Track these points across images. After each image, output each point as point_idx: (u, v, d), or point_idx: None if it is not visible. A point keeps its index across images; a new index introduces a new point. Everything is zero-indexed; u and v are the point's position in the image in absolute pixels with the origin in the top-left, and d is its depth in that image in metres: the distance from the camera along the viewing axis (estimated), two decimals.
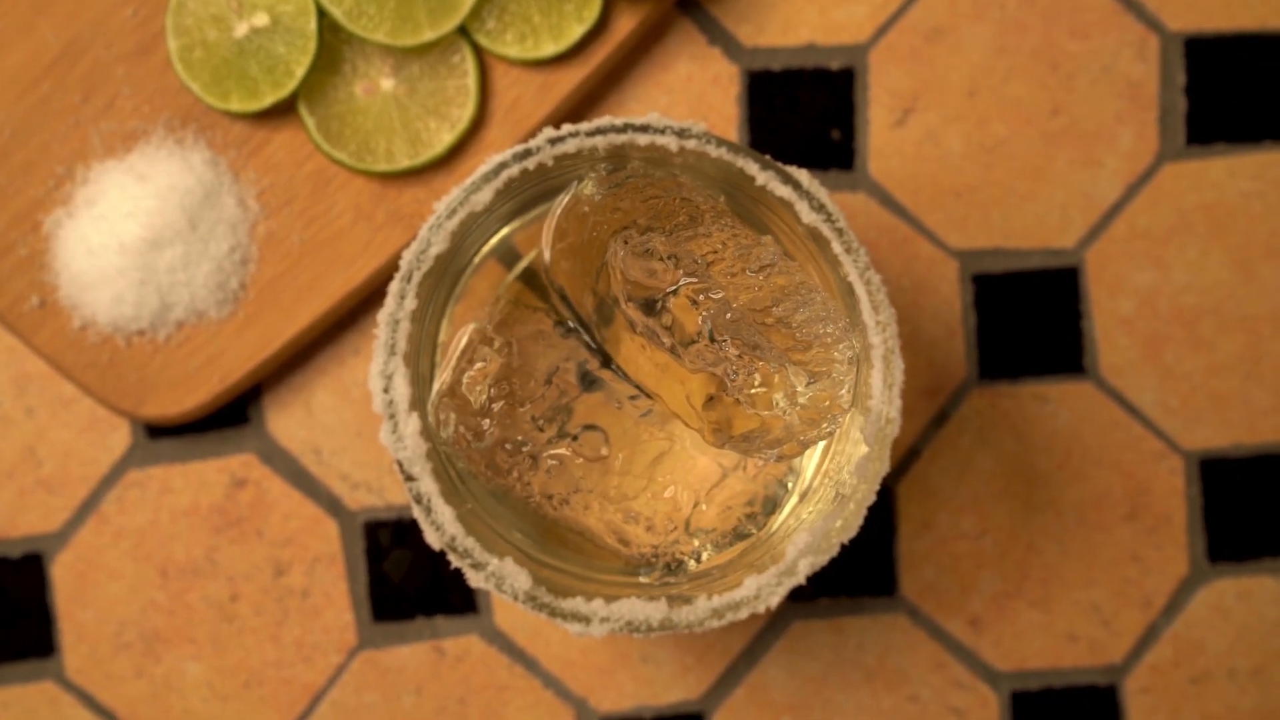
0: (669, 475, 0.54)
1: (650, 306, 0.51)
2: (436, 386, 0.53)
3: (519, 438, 0.53)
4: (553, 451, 0.53)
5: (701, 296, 0.51)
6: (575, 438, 0.53)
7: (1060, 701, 0.68)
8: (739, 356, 0.51)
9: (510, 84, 0.64)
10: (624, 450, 0.54)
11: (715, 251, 0.52)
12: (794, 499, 0.55)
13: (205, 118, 0.65)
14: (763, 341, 0.51)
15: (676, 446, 0.54)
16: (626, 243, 0.51)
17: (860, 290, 0.50)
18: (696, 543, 0.54)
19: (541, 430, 0.53)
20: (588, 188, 0.52)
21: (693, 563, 0.54)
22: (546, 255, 0.53)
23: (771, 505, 0.55)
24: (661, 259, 0.51)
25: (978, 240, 0.67)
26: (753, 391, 0.51)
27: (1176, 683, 0.68)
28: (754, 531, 0.55)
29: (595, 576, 0.54)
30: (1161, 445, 0.68)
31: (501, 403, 0.53)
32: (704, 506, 0.54)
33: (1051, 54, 0.67)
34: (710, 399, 0.52)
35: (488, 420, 0.52)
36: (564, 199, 0.52)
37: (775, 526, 0.55)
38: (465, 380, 0.53)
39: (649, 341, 0.52)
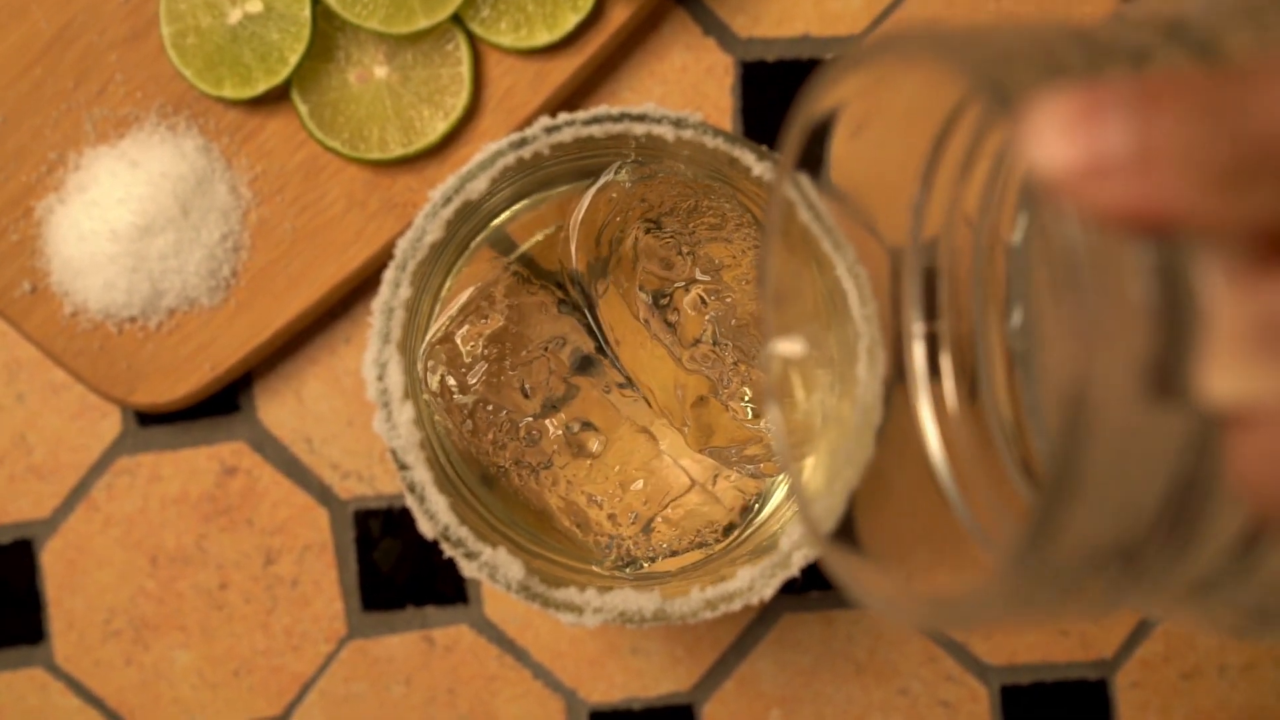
0: (640, 471, 0.54)
1: (659, 299, 0.52)
2: (430, 334, 0.53)
3: (503, 400, 0.53)
4: (532, 420, 0.53)
5: (711, 298, 0.51)
6: (558, 409, 0.53)
7: (1051, 696, 0.68)
8: (735, 364, 0.51)
9: (504, 73, 0.64)
10: (605, 437, 0.54)
11: (733, 258, 0.52)
12: (783, 490, 0.55)
13: (198, 104, 0.64)
14: (761, 354, 0.51)
15: (655, 446, 0.55)
16: (648, 231, 0.52)
17: (849, 284, 0.50)
18: (653, 542, 0.54)
19: (527, 397, 0.53)
20: (621, 175, 0.52)
21: (646, 562, 0.54)
22: (573, 238, 0.53)
23: (732, 528, 0.55)
24: (679, 253, 0.51)
25: None
26: (743, 403, 0.52)
27: (1168, 678, 0.68)
28: (712, 543, 0.55)
29: (587, 568, 0.54)
30: None
31: (493, 362, 0.53)
32: (669, 510, 0.54)
33: None
34: (700, 399, 0.52)
35: (475, 376, 0.52)
36: (598, 184, 0.53)
37: (765, 518, 0.55)
38: (461, 333, 0.53)
39: (651, 333, 0.52)
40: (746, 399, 0.52)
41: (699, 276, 0.51)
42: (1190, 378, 0.25)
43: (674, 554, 0.54)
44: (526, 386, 0.53)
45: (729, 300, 0.51)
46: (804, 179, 0.46)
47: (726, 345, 0.51)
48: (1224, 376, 0.25)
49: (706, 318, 0.51)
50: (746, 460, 0.53)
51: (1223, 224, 0.24)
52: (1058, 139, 0.24)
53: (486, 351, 0.53)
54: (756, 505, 0.55)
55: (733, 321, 0.51)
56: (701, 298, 0.51)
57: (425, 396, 0.53)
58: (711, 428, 0.53)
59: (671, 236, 0.52)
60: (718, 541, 0.55)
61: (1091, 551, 0.27)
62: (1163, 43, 0.28)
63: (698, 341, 0.51)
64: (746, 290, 0.52)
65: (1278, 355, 0.24)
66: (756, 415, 0.52)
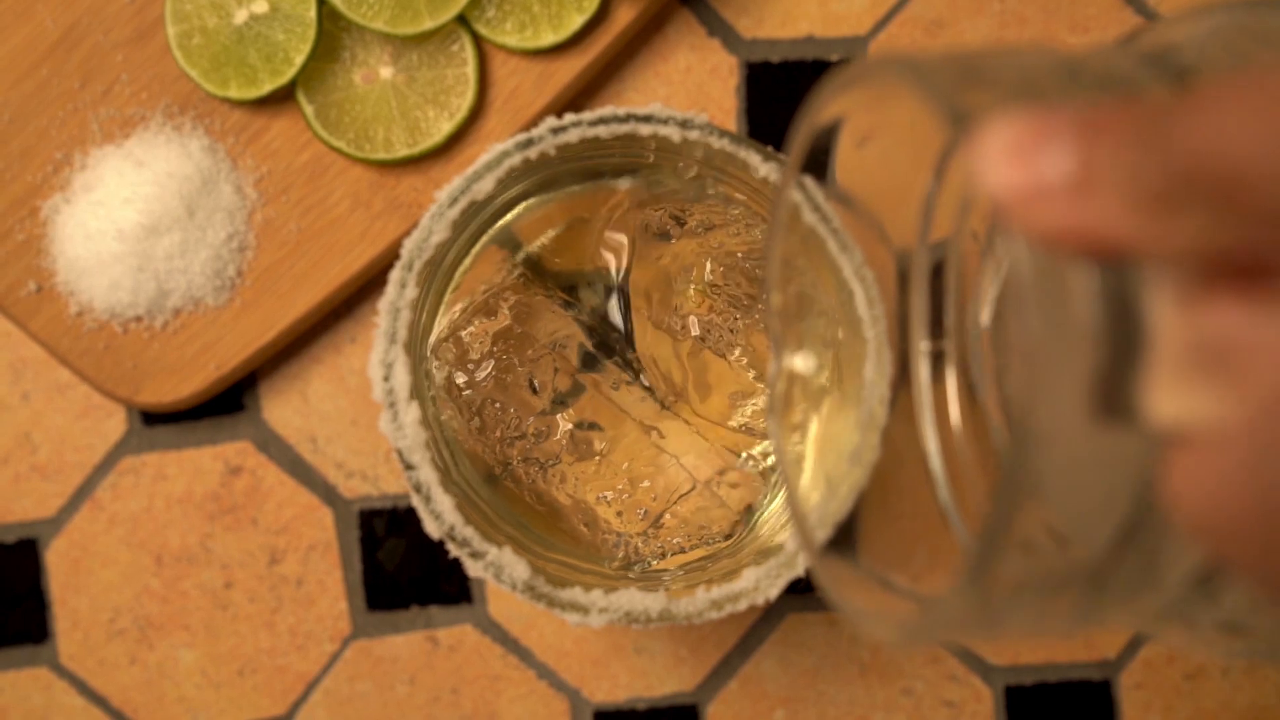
0: (648, 467, 0.54)
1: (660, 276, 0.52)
2: (438, 332, 0.53)
3: (510, 398, 0.53)
4: (540, 417, 0.53)
5: (700, 230, 0.52)
6: (566, 405, 0.54)
7: (1054, 696, 0.68)
8: (728, 318, 0.52)
9: (509, 73, 0.64)
10: (611, 435, 0.54)
11: (726, 221, 0.52)
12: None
13: (204, 104, 0.64)
14: (752, 300, 0.52)
15: (661, 442, 0.55)
16: (643, 207, 0.52)
17: (856, 286, 0.50)
18: (661, 539, 0.54)
19: (535, 394, 0.53)
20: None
21: (653, 561, 0.54)
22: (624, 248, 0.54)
23: (737, 527, 0.56)
24: (671, 216, 0.52)
25: None
26: (736, 354, 0.52)
27: (1171, 679, 0.68)
28: (718, 541, 0.55)
29: (593, 568, 0.54)
30: None
31: (501, 359, 0.53)
32: (678, 505, 0.54)
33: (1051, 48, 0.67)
34: (695, 349, 0.53)
35: (483, 373, 0.53)
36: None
37: (771, 518, 0.55)
38: (469, 330, 0.53)
39: (650, 305, 0.53)
40: (738, 351, 0.52)
41: (692, 230, 0.52)
42: (1137, 399, 0.25)
43: (681, 551, 0.54)
44: (535, 383, 0.53)
45: (717, 244, 0.52)
46: (810, 182, 0.47)
47: (719, 291, 0.52)
48: (1165, 397, 0.25)
49: (706, 264, 0.52)
50: (747, 428, 0.54)
51: (1157, 247, 0.25)
52: (1004, 162, 0.25)
53: (494, 349, 0.53)
54: (763, 503, 0.55)
55: (721, 269, 0.52)
56: (694, 232, 0.52)
57: (432, 394, 0.53)
58: (710, 385, 0.53)
59: (663, 207, 0.52)
60: (724, 539, 0.55)
61: (1051, 570, 0.28)
62: (1145, 70, 0.28)
63: (686, 315, 0.52)
64: (738, 239, 0.52)
65: (1216, 378, 0.25)
66: (753, 368, 0.53)
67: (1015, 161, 0.25)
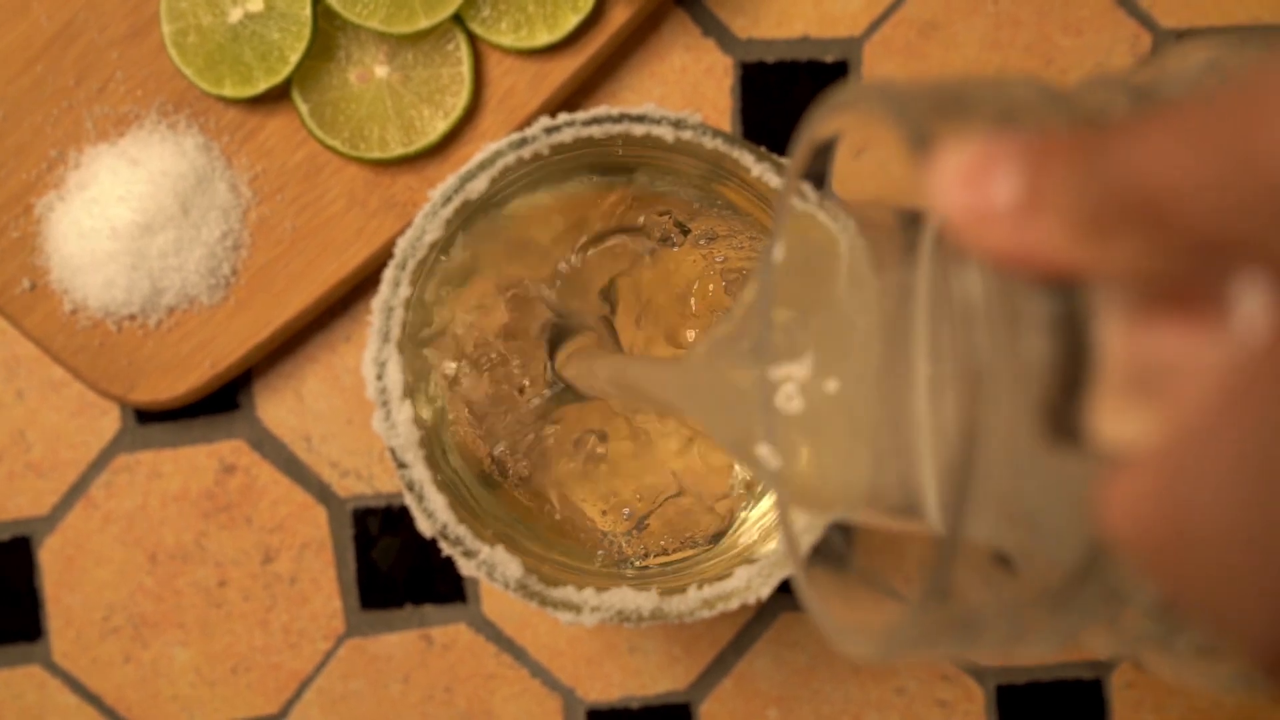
0: (636, 469, 0.54)
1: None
2: (436, 323, 0.53)
3: (502, 392, 0.53)
4: (531, 411, 0.53)
5: (704, 241, 0.52)
6: (556, 403, 0.54)
7: (1046, 696, 0.68)
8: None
9: (504, 73, 0.64)
10: (600, 433, 0.54)
11: (730, 231, 0.52)
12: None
13: (198, 103, 0.64)
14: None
15: (651, 446, 0.55)
16: (641, 209, 0.52)
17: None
18: (645, 540, 0.54)
19: (527, 388, 0.53)
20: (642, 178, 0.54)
21: (636, 561, 0.55)
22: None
23: (720, 534, 0.56)
24: (676, 223, 0.52)
25: None
26: None
27: (1162, 678, 0.68)
28: (702, 544, 0.55)
29: (585, 566, 0.54)
30: None
31: (495, 353, 0.53)
32: (663, 507, 0.54)
33: (1045, 49, 0.68)
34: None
35: (476, 366, 0.53)
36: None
37: (760, 517, 0.55)
38: (466, 322, 0.53)
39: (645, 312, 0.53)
40: None
41: (695, 240, 0.52)
42: (1084, 421, 0.26)
43: (664, 553, 0.55)
44: (527, 379, 0.53)
45: (721, 259, 0.52)
46: (808, 189, 0.47)
47: (718, 306, 0.52)
48: (1107, 419, 0.26)
49: (704, 289, 0.52)
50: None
51: (1098, 270, 0.25)
52: (955, 184, 0.26)
53: (488, 343, 0.53)
54: (749, 507, 0.55)
55: (724, 284, 0.52)
56: (696, 241, 0.52)
57: (424, 387, 0.53)
58: None
59: (667, 213, 0.52)
60: (709, 543, 0.55)
61: (1014, 592, 0.28)
62: (1132, 103, 0.28)
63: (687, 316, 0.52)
64: (740, 254, 0.52)
65: (1149, 400, 0.25)
66: None
67: (966, 184, 0.26)
